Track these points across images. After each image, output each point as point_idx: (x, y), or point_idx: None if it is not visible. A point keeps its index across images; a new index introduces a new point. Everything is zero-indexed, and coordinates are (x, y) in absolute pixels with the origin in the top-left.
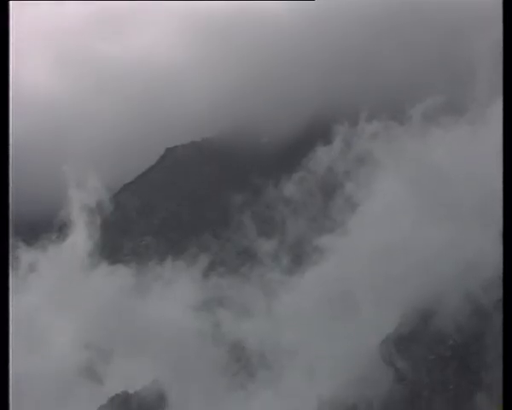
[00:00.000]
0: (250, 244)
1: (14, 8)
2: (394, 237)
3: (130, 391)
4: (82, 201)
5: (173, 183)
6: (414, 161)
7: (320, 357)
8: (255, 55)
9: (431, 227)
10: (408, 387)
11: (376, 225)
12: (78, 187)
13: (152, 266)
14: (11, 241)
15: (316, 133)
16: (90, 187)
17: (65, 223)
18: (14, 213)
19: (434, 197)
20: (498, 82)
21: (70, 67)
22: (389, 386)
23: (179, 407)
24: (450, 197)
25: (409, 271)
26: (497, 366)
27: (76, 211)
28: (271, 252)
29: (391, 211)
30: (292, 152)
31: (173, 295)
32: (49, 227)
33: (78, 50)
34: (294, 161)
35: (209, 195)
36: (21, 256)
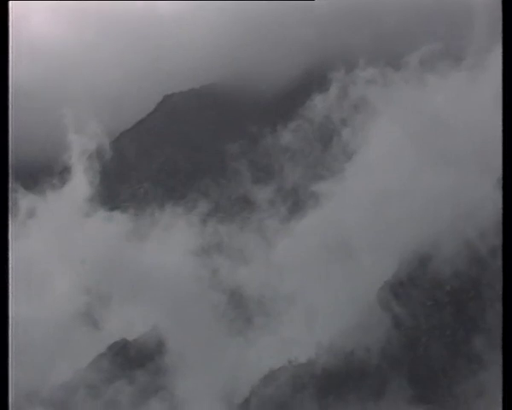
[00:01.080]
0: (247, 192)
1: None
2: (392, 184)
3: (129, 339)
4: (82, 146)
5: (171, 130)
6: (411, 108)
7: (318, 304)
8: (253, 4)
9: (429, 174)
10: (406, 333)
11: (374, 172)
12: (77, 132)
13: (150, 212)
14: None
15: (312, 81)
16: (89, 132)
17: (64, 168)
18: (13, 158)
19: (432, 144)
20: (497, 27)
21: (71, 14)
22: (387, 332)
23: (178, 354)
24: (448, 144)
25: (406, 217)
26: (494, 311)
27: (76, 156)
28: (269, 199)
29: (388, 158)
30: (288, 100)
31: (171, 241)
32: (48, 172)
33: None
34: (291, 109)
35: (206, 142)
36: (20, 201)
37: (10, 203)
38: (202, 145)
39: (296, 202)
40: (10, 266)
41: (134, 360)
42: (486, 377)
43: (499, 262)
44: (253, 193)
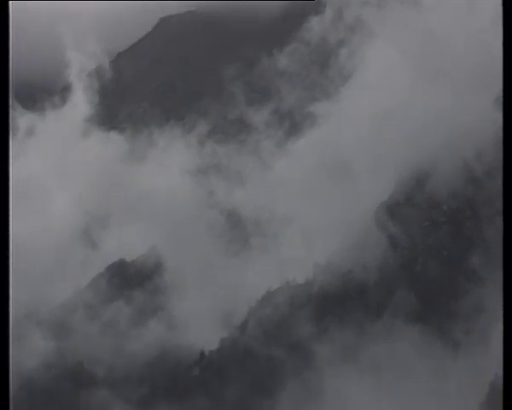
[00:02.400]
0: (245, 113)
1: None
2: (389, 104)
3: (128, 259)
4: (81, 64)
5: (168, 52)
6: (407, 28)
7: (315, 224)
8: None
9: (425, 94)
10: (402, 253)
11: (370, 93)
12: (77, 50)
13: (148, 132)
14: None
15: (307, 3)
16: (89, 51)
17: (64, 87)
18: (12, 77)
19: (429, 64)
20: None
21: None
22: (384, 253)
23: (176, 275)
24: (446, 64)
25: (404, 138)
26: (491, 230)
27: (75, 74)
28: (265, 121)
29: (385, 78)
30: (284, 23)
31: (169, 161)
32: (47, 91)
33: None
34: (287, 33)
35: (203, 65)
36: (19, 120)
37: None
38: (199, 67)
39: (293, 124)
40: (11, 183)
41: (132, 280)
42: (485, 293)
43: (496, 182)
44: (249, 115)
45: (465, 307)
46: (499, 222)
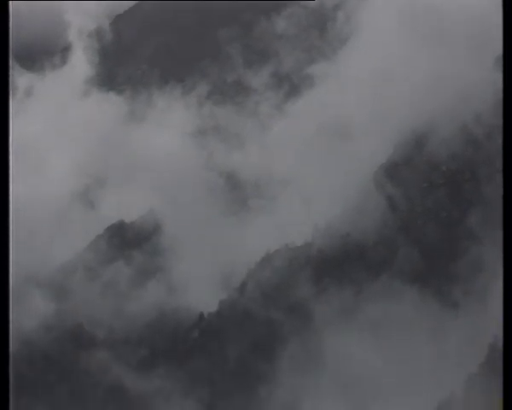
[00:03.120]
0: (243, 76)
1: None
2: (387, 66)
3: (127, 221)
4: (81, 25)
5: (167, 15)
6: None
7: (314, 187)
8: None
9: (424, 56)
10: (401, 215)
11: (369, 55)
12: (77, 11)
13: (147, 94)
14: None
15: None
16: (89, 12)
17: (63, 47)
18: (12, 37)
19: (427, 26)
20: None
21: None
22: (383, 215)
23: (175, 236)
24: (444, 26)
25: (402, 100)
26: (490, 192)
27: (75, 34)
28: (264, 83)
29: (383, 41)
30: None
31: (168, 123)
32: (47, 51)
33: None
34: None
35: (202, 28)
36: (18, 80)
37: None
38: (198, 31)
39: (291, 86)
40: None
41: (131, 241)
42: (484, 252)
43: (495, 144)
44: (248, 77)
45: (464, 268)
46: (498, 182)
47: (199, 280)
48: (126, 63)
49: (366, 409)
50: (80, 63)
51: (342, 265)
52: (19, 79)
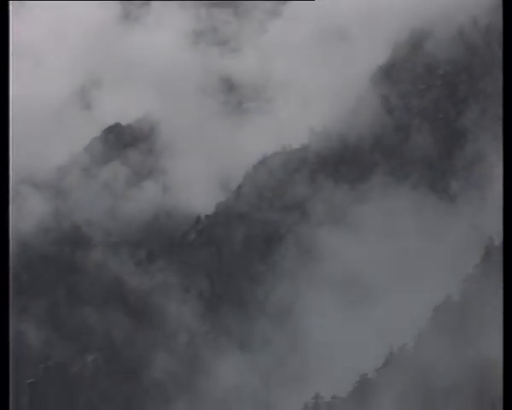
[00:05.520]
0: None
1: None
2: None
3: (123, 123)
4: None
5: None
6: None
7: (311, 89)
8: None
9: None
10: (399, 115)
11: None
12: None
13: None
14: None
15: None
16: None
17: None
18: None
19: None
20: None
21: None
22: (380, 117)
23: (171, 138)
24: None
25: (401, 1)
26: (485, 94)
27: None
28: None
29: None
30: None
31: (164, 24)
32: None
33: None
34: None
35: None
36: None
37: None
38: None
39: None
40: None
41: (128, 143)
42: (483, 144)
43: (491, 47)
44: None
45: (461, 161)
46: (495, 76)
47: (195, 182)
48: None
49: (360, 309)
50: None
51: (338, 166)
52: None
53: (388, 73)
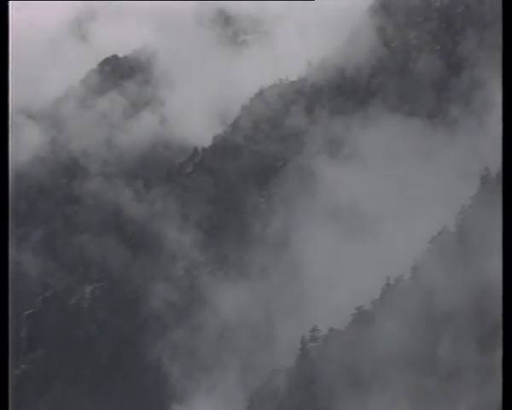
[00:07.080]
0: None
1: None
2: None
3: (120, 55)
4: None
5: None
6: None
7: (309, 21)
8: None
9: None
10: (396, 47)
11: None
12: None
13: None
14: None
15: None
16: None
17: None
18: None
19: None
20: None
21: None
22: (377, 51)
23: (168, 69)
24: None
25: None
26: (483, 18)
27: None
28: None
29: None
30: None
31: None
32: None
33: None
34: None
35: None
36: None
37: None
38: None
39: None
40: None
41: (125, 75)
42: (479, 74)
43: None
44: None
45: (459, 89)
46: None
47: (192, 115)
48: None
49: (356, 239)
50: None
51: (335, 97)
52: None
53: (386, 6)
